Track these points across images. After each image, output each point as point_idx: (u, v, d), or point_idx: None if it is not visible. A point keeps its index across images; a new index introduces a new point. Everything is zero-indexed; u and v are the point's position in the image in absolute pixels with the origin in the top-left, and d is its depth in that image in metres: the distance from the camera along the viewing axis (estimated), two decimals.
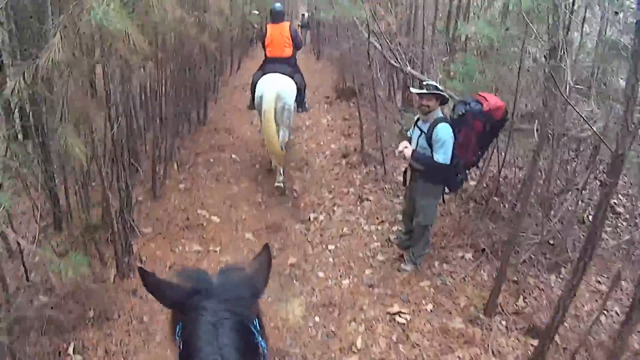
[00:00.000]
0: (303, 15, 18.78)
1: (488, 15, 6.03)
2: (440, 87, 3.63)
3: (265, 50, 5.85)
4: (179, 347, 1.10)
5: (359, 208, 5.31)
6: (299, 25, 16.74)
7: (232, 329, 1.06)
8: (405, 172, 4.16)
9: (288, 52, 5.75)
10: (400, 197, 5.49)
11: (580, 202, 4.74)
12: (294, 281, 4.18)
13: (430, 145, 3.66)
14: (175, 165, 5.96)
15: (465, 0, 6.04)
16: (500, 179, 5.07)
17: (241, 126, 7.72)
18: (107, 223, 3.96)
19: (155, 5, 2.82)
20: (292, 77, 5.51)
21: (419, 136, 3.76)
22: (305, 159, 6.52)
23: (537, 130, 4.36)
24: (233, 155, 6.50)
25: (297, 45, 5.90)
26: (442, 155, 3.59)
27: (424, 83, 3.68)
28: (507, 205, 4.99)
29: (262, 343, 1.15)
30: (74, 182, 3.96)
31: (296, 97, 5.57)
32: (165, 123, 5.52)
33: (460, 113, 3.69)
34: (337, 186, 5.80)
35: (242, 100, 9.20)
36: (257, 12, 15.09)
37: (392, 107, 7.43)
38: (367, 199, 5.45)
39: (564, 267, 4.32)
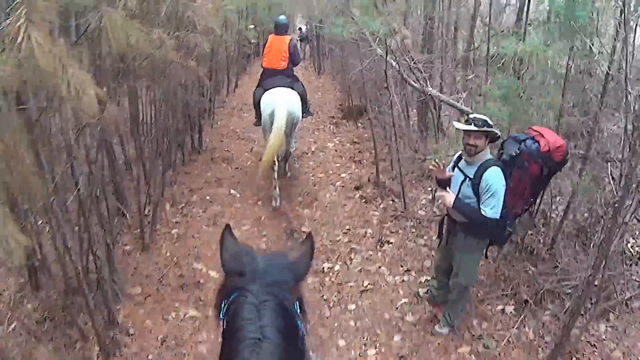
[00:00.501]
0: (300, 29, 18.21)
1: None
2: (490, 122, 2.94)
3: (263, 59, 5.94)
4: (223, 325, 1.15)
5: (379, 253, 4.60)
6: (298, 39, 16.14)
7: (273, 311, 1.10)
8: (441, 222, 3.47)
9: (283, 65, 5.73)
10: (425, 237, 4.80)
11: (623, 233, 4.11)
12: (310, 352, 3.47)
13: (476, 193, 2.97)
14: (168, 206, 5.27)
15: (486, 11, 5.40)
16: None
17: (240, 154, 7.02)
18: (87, 286, 3.26)
19: (114, 29, 2.13)
20: (292, 88, 5.54)
21: (463, 182, 3.06)
22: (314, 194, 5.78)
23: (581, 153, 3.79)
24: (232, 191, 5.78)
25: (294, 61, 5.91)
26: (492, 208, 2.87)
27: (470, 116, 2.97)
28: (544, 242, 4.32)
29: (302, 325, 1.20)
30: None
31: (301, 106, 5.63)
32: (155, 155, 4.88)
33: (513, 153, 3.01)
34: (352, 226, 5.08)
35: (241, 124, 8.56)
36: (253, 26, 14.53)
37: (407, 129, 6.74)
38: (388, 242, 4.74)
39: (612, 312, 3.73)
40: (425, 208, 5.43)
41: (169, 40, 3.30)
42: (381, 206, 5.42)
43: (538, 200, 3.89)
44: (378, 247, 4.68)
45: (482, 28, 5.66)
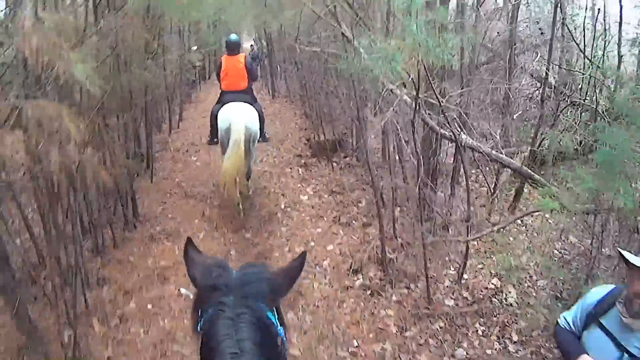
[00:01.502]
0: (251, 46, 16.63)
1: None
2: None
3: (220, 83, 5.79)
4: (200, 340, 1.13)
5: None
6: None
7: (250, 324, 1.08)
8: None
9: (244, 84, 5.68)
10: (466, 345, 3.36)
11: None
12: None
13: None
14: (96, 325, 3.60)
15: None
16: None
17: (189, 223, 5.32)
18: None
19: None
20: (251, 104, 5.45)
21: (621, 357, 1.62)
22: (294, 287, 4.19)
23: None
24: (183, 290, 4.12)
25: (252, 77, 5.87)
26: None
27: None
28: None
29: (281, 331, 1.19)
30: None
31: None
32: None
33: None
34: (360, 340, 3.51)
35: (188, 173, 6.87)
36: (195, 48, 12.81)
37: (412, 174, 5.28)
38: None
39: None
40: (453, 294, 3.98)
41: None
42: (394, 298, 3.91)
43: None
44: None
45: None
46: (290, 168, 6.96)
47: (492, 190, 5.15)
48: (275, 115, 10.32)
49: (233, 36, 5.97)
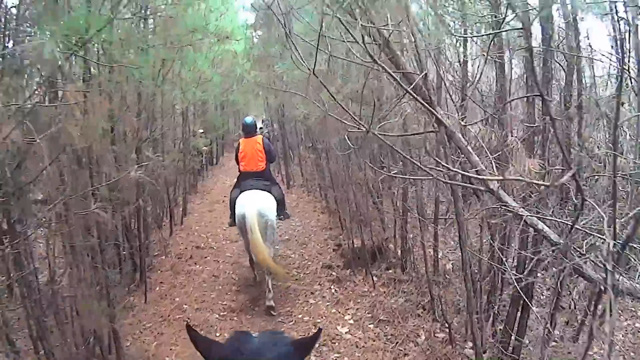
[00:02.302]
0: (260, 128, 15.82)
1: None
2: None
3: (239, 165, 5.88)
4: None
5: None
6: None
7: None
8: None
9: (262, 165, 5.77)
10: None
11: None
12: None
13: None
14: None
15: None
16: None
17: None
18: None
19: None
20: (269, 192, 5.48)
21: None
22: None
23: None
24: None
25: (270, 159, 5.97)
26: None
27: None
28: None
29: None
30: None
31: (277, 210, 5.55)
32: None
33: None
34: None
35: (192, 290, 5.50)
36: (202, 132, 11.90)
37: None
38: None
39: None
40: None
41: None
42: None
43: None
44: None
45: None
46: (320, 284, 5.55)
47: None
48: (292, 210, 9.05)
49: (248, 119, 6.03)
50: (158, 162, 6.05)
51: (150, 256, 6.36)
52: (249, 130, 5.89)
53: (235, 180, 5.99)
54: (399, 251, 5.59)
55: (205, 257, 6.60)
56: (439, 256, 4.98)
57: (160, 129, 6.95)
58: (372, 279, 5.38)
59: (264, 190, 5.43)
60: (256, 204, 5.12)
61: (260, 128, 15.76)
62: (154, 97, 5.74)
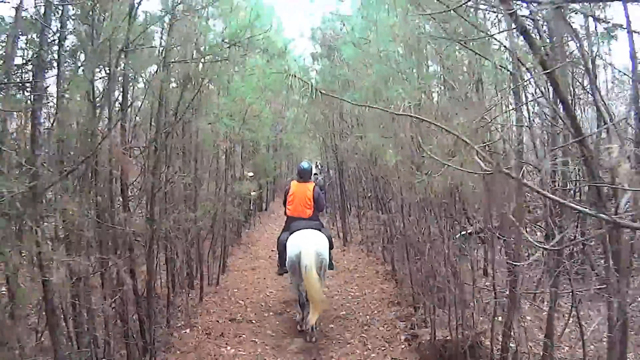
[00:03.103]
0: (315, 174, 14.60)
1: None
2: None
3: (286, 209, 5.81)
4: None
5: None
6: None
7: None
8: None
9: (308, 213, 5.64)
10: None
11: None
12: None
13: None
14: None
15: None
16: None
17: None
18: None
19: None
20: (320, 230, 5.37)
21: None
22: None
23: None
24: None
25: (319, 208, 5.80)
26: None
27: None
28: None
29: None
30: None
31: None
32: None
33: None
34: None
35: None
36: (251, 174, 10.72)
37: None
38: None
39: None
40: None
41: None
42: None
43: None
44: None
45: None
46: None
47: None
48: (349, 273, 7.55)
49: (305, 164, 6.01)
50: (186, 215, 4.83)
51: (170, 328, 5.04)
52: (304, 176, 5.85)
53: (284, 224, 5.89)
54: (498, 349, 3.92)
55: (241, 335, 5.16)
56: None
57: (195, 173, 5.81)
58: None
59: (315, 229, 5.35)
60: (312, 243, 5.01)
61: (315, 174, 14.56)
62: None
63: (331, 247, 5.53)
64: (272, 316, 5.81)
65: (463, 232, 5.14)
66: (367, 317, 5.69)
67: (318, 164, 15.40)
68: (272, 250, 8.95)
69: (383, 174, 6.32)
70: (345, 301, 6.21)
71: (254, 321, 5.57)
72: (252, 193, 10.75)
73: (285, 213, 5.88)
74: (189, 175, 5.38)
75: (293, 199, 5.73)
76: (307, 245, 4.95)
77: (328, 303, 5.16)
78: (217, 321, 5.44)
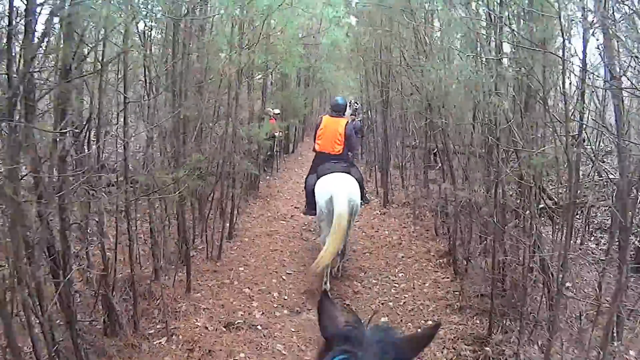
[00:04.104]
0: (356, 109, 12.79)
1: None
2: None
3: (315, 143, 5.49)
4: None
5: None
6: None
7: None
8: None
9: (338, 149, 5.28)
10: None
11: None
12: None
13: None
14: None
15: None
16: None
17: None
18: None
19: None
20: (349, 173, 5.02)
21: None
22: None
23: None
24: None
25: (350, 146, 5.42)
26: None
27: None
28: None
29: None
30: None
31: None
32: None
33: None
34: None
35: None
36: (277, 112, 8.95)
37: None
38: None
39: None
40: None
41: None
42: None
43: None
44: None
45: None
46: None
47: None
48: (391, 249, 5.85)
49: (340, 98, 5.65)
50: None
51: (136, 334, 3.54)
52: (338, 110, 5.48)
53: (311, 163, 5.60)
54: None
55: (238, 354, 3.58)
56: None
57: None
58: None
59: (344, 172, 5.00)
60: (344, 189, 4.64)
61: (355, 109, 12.65)
62: None
63: (362, 187, 5.16)
64: (287, 316, 4.20)
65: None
66: (422, 322, 4.05)
67: (355, 102, 13.47)
68: (296, 207, 7.31)
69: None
70: (386, 298, 4.56)
71: (259, 327, 3.96)
72: (276, 134, 9.02)
73: (314, 149, 5.54)
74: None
75: (323, 133, 5.35)
76: (338, 191, 4.57)
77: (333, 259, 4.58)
78: (207, 327, 3.83)
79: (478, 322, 4.02)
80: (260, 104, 7.26)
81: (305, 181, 5.58)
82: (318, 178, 4.99)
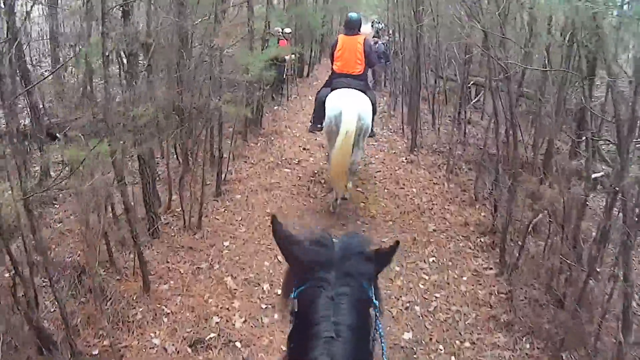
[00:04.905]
0: (381, 28, 11.11)
1: None
2: None
3: (333, 64, 5.12)
4: (294, 307, 1.05)
5: None
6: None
7: (350, 306, 1.00)
8: None
9: (359, 69, 4.93)
10: None
11: None
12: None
13: None
14: None
15: None
16: None
17: None
18: None
19: None
20: (365, 92, 4.73)
21: None
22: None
23: None
24: None
25: (370, 63, 5.10)
26: None
27: None
28: None
29: (377, 304, 1.09)
30: None
31: None
32: None
33: None
34: None
35: None
36: (289, 31, 7.56)
37: None
38: None
39: None
40: None
41: None
42: None
43: None
44: None
45: None
46: None
47: None
48: (419, 218, 4.70)
49: (354, 14, 5.21)
50: None
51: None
52: (353, 27, 5.04)
53: (328, 79, 5.21)
54: None
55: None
56: None
57: None
58: None
59: (360, 90, 4.66)
60: (354, 104, 4.41)
61: (378, 30, 11.00)
62: None
63: (374, 112, 4.94)
64: (277, 324, 3.14)
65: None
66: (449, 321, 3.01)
67: (378, 22, 11.70)
68: (305, 149, 6.13)
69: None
70: (412, 298, 3.45)
71: (238, 343, 2.91)
72: (287, 57, 7.61)
73: (332, 70, 5.12)
74: None
75: (342, 54, 4.98)
76: (349, 106, 4.38)
77: (344, 182, 4.55)
78: (165, 348, 2.79)
79: (528, 346, 2.95)
80: (262, 22, 5.81)
81: (316, 95, 5.25)
82: (331, 91, 4.72)
